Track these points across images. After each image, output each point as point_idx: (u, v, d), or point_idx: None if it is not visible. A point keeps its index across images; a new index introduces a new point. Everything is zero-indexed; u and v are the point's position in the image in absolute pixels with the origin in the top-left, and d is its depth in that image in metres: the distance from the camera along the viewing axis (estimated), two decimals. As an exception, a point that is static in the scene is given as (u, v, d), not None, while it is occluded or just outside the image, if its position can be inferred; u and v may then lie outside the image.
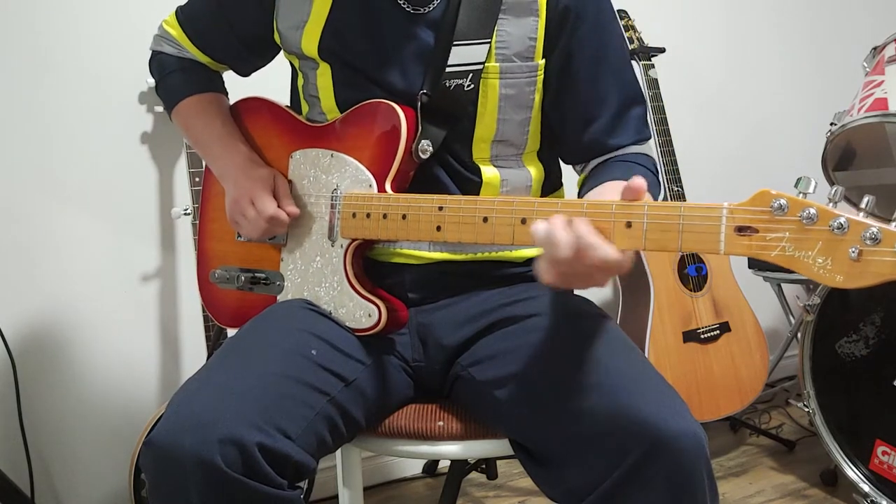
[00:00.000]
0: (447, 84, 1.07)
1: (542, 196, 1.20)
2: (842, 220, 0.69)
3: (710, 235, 0.77)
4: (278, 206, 1.11)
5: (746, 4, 2.54)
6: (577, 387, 0.95)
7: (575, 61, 1.10)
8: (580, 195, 1.11)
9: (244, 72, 1.31)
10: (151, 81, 1.68)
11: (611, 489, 0.87)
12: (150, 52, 1.31)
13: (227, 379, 0.93)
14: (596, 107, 1.11)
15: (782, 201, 0.72)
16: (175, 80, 1.27)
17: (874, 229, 0.67)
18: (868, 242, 0.67)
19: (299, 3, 1.13)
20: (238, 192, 1.14)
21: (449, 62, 1.07)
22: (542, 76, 1.10)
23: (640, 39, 2.14)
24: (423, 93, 1.08)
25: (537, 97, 1.12)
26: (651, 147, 1.16)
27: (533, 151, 1.17)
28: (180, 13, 1.26)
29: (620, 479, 0.87)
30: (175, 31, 1.26)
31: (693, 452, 0.86)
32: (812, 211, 0.71)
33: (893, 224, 0.67)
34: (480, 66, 1.07)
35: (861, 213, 0.70)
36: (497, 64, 1.08)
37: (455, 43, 1.07)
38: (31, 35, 1.65)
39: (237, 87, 1.33)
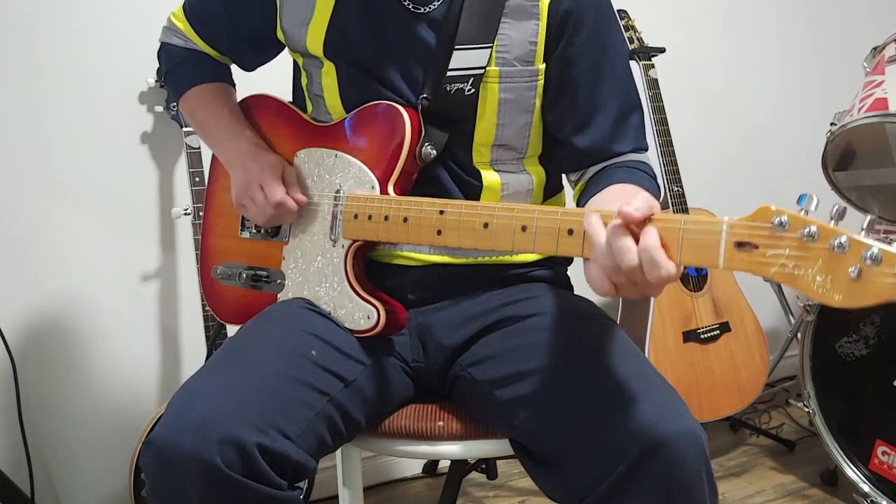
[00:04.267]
0: (448, 88, 1.07)
1: (543, 200, 1.20)
2: (842, 238, 0.68)
3: (710, 250, 0.76)
4: (286, 193, 1.11)
5: (746, 4, 2.53)
6: (578, 387, 0.95)
7: (574, 67, 1.09)
8: (580, 204, 1.10)
9: (247, 67, 1.31)
10: (151, 81, 1.71)
11: (611, 489, 0.88)
12: (160, 43, 1.32)
13: (227, 379, 0.93)
14: (594, 113, 1.10)
15: (783, 218, 0.71)
16: (182, 70, 1.28)
17: (875, 250, 0.66)
18: (868, 262, 0.66)
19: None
20: (247, 175, 1.13)
21: (450, 66, 1.06)
22: (543, 80, 1.10)
23: (640, 39, 2.13)
24: (424, 97, 1.07)
25: (538, 102, 1.11)
26: (648, 157, 1.15)
27: (534, 156, 1.17)
28: (187, 6, 1.27)
29: (620, 479, 0.87)
30: (181, 24, 1.26)
31: (692, 453, 0.87)
32: (813, 228, 0.70)
33: (895, 245, 0.66)
34: (482, 71, 1.07)
35: (863, 232, 0.69)
36: (497, 68, 1.07)
37: (457, 47, 1.06)
38: (30, 35, 1.65)
39: (238, 84, 1.33)
